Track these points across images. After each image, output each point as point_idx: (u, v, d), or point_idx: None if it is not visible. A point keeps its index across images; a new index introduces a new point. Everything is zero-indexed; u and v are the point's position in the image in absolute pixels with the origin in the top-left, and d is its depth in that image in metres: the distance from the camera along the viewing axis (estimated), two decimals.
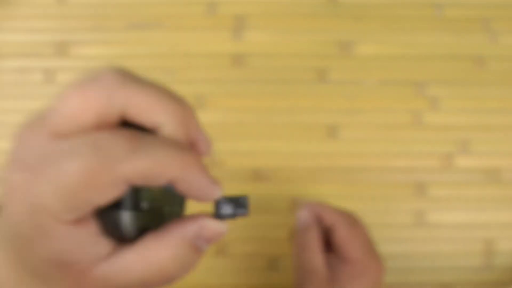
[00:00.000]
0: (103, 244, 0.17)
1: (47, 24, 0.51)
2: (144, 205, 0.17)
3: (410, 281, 0.47)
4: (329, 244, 0.38)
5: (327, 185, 0.48)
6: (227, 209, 0.19)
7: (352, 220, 0.37)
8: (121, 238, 0.17)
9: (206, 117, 0.49)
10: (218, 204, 0.19)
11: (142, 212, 0.17)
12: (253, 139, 0.49)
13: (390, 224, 0.48)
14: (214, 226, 0.19)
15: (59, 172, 0.15)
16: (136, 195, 0.17)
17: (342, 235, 0.35)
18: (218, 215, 0.19)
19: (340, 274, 0.34)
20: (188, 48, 0.51)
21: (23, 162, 0.16)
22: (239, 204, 0.19)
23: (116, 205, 0.16)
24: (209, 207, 0.19)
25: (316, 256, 0.35)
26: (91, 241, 0.17)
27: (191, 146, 0.18)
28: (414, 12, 0.52)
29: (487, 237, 0.48)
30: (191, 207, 0.23)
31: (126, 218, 0.16)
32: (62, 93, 0.17)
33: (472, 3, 0.52)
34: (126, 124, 0.17)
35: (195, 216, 0.19)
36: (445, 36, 0.51)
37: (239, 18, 0.51)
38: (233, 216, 0.19)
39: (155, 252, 0.17)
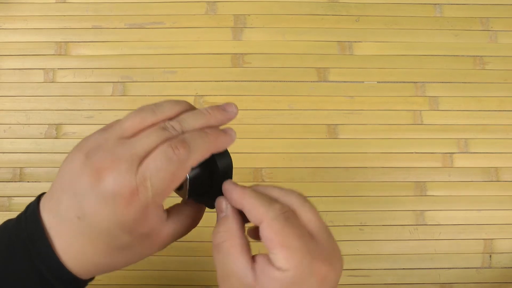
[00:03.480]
0: (165, 216, 0.27)
1: (47, 24, 0.51)
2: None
3: (410, 281, 0.47)
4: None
5: (327, 185, 0.48)
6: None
7: (285, 211, 0.26)
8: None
9: None
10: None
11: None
12: (253, 139, 0.49)
13: (390, 224, 0.48)
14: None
15: (158, 182, 0.24)
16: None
17: (269, 237, 0.25)
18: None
19: (270, 283, 0.25)
20: (188, 48, 0.51)
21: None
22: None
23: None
24: None
25: (236, 260, 0.26)
26: (162, 216, 0.27)
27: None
28: (414, 12, 0.52)
29: (487, 237, 0.48)
30: None
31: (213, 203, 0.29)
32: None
33: (472, 3, 0.52)
34: None
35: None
36: (445, 36, 0.51)
37: (239, 18, 0.51)
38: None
39: (192, 220, 0.29)
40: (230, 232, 0.27)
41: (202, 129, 0.27)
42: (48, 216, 0.26)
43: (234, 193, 0.28)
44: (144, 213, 0.25)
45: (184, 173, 0.26)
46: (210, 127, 0.28)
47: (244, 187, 0.28)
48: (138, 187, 0.24)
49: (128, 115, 0.27)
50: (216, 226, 0.28)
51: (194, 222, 0.29)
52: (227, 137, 0.28)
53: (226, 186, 0.28)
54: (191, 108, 0.29)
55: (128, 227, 0.25)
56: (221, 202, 0.28)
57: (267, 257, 0.26)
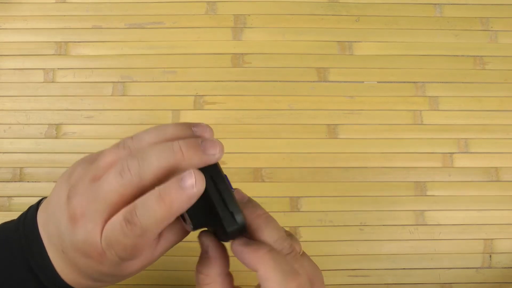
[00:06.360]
0: (155, 241, 0.26)
1: (47, 24, 0.51)
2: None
3: (410, 281, 0.47)
4: None
5: (327, 185, 0.48)
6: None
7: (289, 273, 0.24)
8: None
9: (206, 117, 0.49)
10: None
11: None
12: (253, 139, 0.49)
13: (390, 224, 0.48)
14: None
15: (120, 251, 0.24)
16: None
17: None
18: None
19: None
20: (188, 48, 0.51)
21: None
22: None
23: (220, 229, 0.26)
24: None
25: None
26: (150, 251, 0.26)
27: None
28: (414, 12, 0.52)
29: (487, 237, 0.48)
30: None
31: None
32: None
33: (472, 3, 0.52)
34: None
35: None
36: (445, 36, 0.51)
37: (239, 18, 0.51)
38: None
39: (181, 236, 0.27)
40: (211, 277, 0.26)
41: (157, 190, 0.23)
42: (41, 231, 0.26)
43: (247, 256, 0.24)
44: (120, 267, 0.24)
45: (147, 243, 0.24)
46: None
47: (259, 246, 0.24)
48: (104, 251, 0.23)
49: (105, 150, 0.25)
50: (198, 264, 0.26)
51: (182, 237, 0.28)
52: (185, 195, 0.23)
53: (236, 247, 0.25)
54: (172, 135, 0.25)
55: (109, 274, 0.25)
56: (203, 242, 0.26)
57: None
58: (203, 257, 0.26)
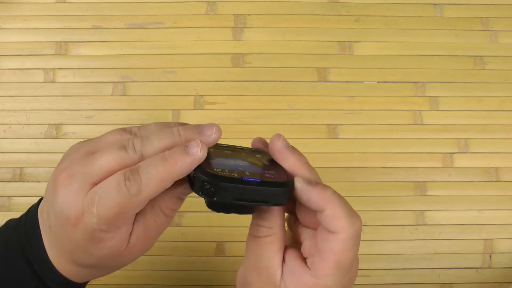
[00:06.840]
0: (127, 236, 0.25)
1: (47, 24, 0.51)
2: None
3: (410, 281, 0.47)
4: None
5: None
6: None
7: (360, 232, 0.25)
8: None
9: (206, 117, 0.49)
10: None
11: None
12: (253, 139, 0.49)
13: (390, 224, 0.48)
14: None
15: (103, 210, 0.23)
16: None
17: (335, 250, 0.24)
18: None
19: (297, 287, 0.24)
20: (188, 48, 0.51)
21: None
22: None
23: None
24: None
25: (273, 257, 0.25)
26: (122, 237, 0.25)
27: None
28: (414, 12, 0.52)
29: (487, 237, 0.48)
30: None
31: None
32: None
33: (472, 3, 0.52)
34: None
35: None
36: (445, 36, 0.51)
37: (239, 18, 0.51)
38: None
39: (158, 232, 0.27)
40: (274, 229, 0.26)
41: (162, 153, 0.24)
42: (40, 224, 0.27)
43: (315, 195, 0.25)
44: (93, 238, 0.24)
45: (135, 207, 0.23)
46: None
47: (325, 186, 0.25)
48: (84, 211, 0.23)
49: (110, 131, 0.26)
50: (258, 219, 0.26)
51: (158, 233, 0.27)
52: (189, 158, 0.23)
53: (303, 186, 0.25)
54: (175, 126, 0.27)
55: (82, 248, 0.24)
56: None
57: (297, 260, 0.25)
58: (265, 211, 0.26)
